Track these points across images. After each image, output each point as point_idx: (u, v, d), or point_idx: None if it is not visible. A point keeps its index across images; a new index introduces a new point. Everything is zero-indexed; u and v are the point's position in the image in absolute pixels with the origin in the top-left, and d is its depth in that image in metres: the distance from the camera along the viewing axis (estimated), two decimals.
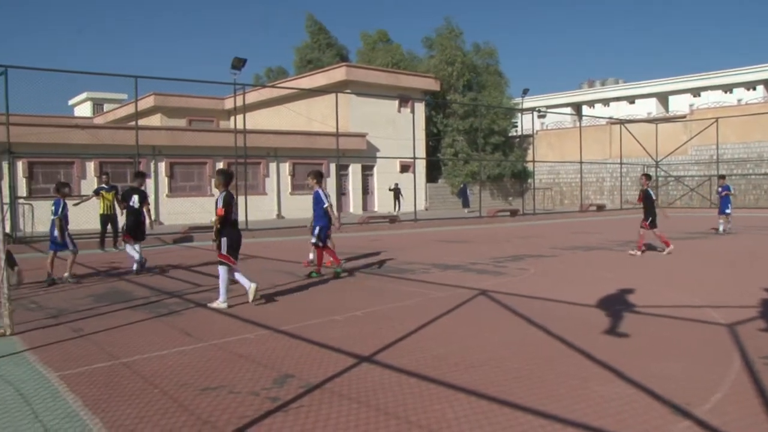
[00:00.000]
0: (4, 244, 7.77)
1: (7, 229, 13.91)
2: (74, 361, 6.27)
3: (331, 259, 12.41)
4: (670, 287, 10.33)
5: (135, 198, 13.22)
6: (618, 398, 4.90)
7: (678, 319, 7.91)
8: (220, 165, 31.20)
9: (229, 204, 9.12)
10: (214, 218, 9.11)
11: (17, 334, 7.44)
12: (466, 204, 38.60)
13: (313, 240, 12.21)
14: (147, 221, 13.54)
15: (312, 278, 11.81)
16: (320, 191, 12.22)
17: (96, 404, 4.94)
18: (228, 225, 9.18)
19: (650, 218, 15.30)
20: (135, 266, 13.01)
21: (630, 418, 4.49)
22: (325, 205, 12.06)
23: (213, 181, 12.13)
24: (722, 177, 22.77)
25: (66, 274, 12.10)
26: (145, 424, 4.50)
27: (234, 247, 9.24)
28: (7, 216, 17.82)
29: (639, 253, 14.99)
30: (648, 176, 16.03)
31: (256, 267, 13.72)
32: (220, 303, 9.04)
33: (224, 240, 9.13)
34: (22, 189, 25.48)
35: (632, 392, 5.04)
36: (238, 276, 9.30)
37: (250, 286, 9.22)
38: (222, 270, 9.12)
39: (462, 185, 40.41)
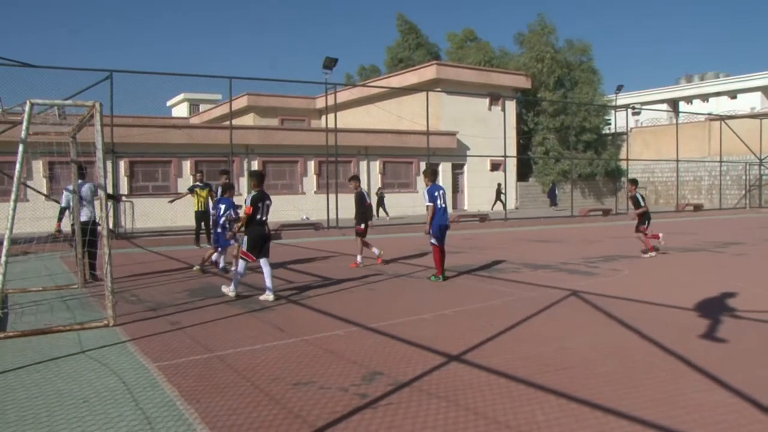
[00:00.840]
0: (108, 239, 8.12)
1: (110, 226, 14.48)
2: (171, 352, 6.50)
3: (376, 251, 13.82)
4: None
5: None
6: (718, 406, 4.72)
7: None
8: (312, 163, 31.73)
9: (256, 203, 9.70)
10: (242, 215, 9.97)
11: (119, 325, 7.77)
12: (553, 203, 38.06)
13: (432, 240, 11.46)
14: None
15: (439, 281, 11.22)
16: (428, 190, 11.44)
17: (191, 395, 5.11)
18: (252, 224, 9.73)
19: (646, 221, 15.29)
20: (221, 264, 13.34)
21: (732, 428, 4.31)
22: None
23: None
24: None
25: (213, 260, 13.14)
26: (237, 416, 4.62)
27: (256, 245, 9.74)
28: (110, 213, 18.59)
29: (653, 253, 14.83)
30: (634, 182, 15.79)
31: (347, 264, 13.87)
32: (230, 291, 9.89)
33: (245, 238, 9.78)
34: (124, 187, 26.56)
35: (734, 401, 4.84)
36: (265, 271, 9.84)
37: (233, 290, 9.93)
38: (240, 263, 9.83)
39: (551, 184, 39.82)
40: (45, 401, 5.00)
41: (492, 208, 35.25)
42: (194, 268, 12.89)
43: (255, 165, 30.45)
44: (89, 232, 11.22)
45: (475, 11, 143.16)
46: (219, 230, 12.70)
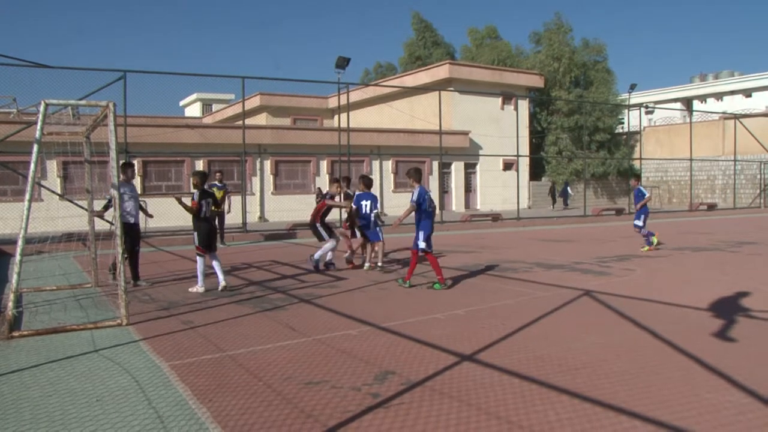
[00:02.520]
0: (121, 239, 8.15)
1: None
2: (184, 351, 6.53)
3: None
4: None
5: None
6: (731, 407, 4.68)
7: None
8: (324, 163, 31.77)
9: (200, 201, 10.45)
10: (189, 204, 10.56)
11: (132, 325, 7.80)
12: (565, 203, 38.07)
13: (422, 246, 10.59)
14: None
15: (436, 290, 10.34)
16: (419, 191, 10.55)
17: (204, 394, 5.12)
18: (200, 220, 10.52)
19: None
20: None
21: (746, 430, 4.29)
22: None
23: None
24: None
25: (379, 264, 12.96)
26: (249, 415, 4.63)
27: (205, 240, 10.51)
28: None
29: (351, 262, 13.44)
30: (343, 181, 14.57)
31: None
32: (198, 288, 10.44)
33: (195, 234, 10.57)
34: (138, 187, 26.66)
35: (747, 401, 4.81)
36: (214, 264, 10.57)
37: (221, 284, 10.43)
38: (199, 260, 10.55)
39: (564, 184, 39.76)
40: (59, 400, 5.03)
41: (552, 207, 35.85)
42: (378, 268, 12.79)
43: (267, 165, 30.53)
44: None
45: (492, 9, 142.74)
46: (372, 227, 12.83)
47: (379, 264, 12.90)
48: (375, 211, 12.82)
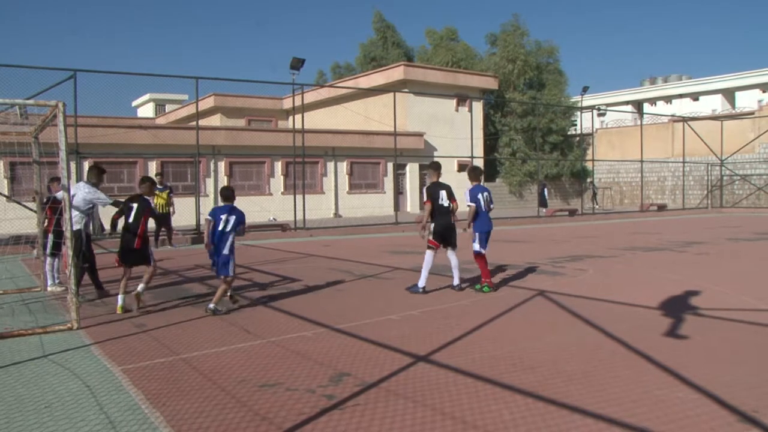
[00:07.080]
0: (72, 241, 7.99)
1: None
2: (136, 355, 6.42)
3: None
4: (736, 290, 10.02)
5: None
6: (681, 403, 4.78)
7: (744, 322, 7.64)
8: (279, 164, 31.60)
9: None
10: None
11: (83, 329, 7.65)
12: (543, 204, 38.13)
13: (477, 248, 10.42)
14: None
15: (484, 292, 10.13)
16: (470, 190, 10.39)
17: (156, 398, 5.05)
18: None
19: None
20: None
21: (694, 424, 4.37)
22: (469, 203, 10.25)
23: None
24: None
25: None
26: (203, 419, 4.58)
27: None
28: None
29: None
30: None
31: (314, 265, 13.83)
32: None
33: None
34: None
35: (695, 397, 4.91)
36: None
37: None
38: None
39: (541, 186, 39.70)
40: (4, 407, 4.90)
41: (593, 204, 36.70)
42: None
43: (222, 166, 30.25)
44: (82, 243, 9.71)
45: (456, 12, 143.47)
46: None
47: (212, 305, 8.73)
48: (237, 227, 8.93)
